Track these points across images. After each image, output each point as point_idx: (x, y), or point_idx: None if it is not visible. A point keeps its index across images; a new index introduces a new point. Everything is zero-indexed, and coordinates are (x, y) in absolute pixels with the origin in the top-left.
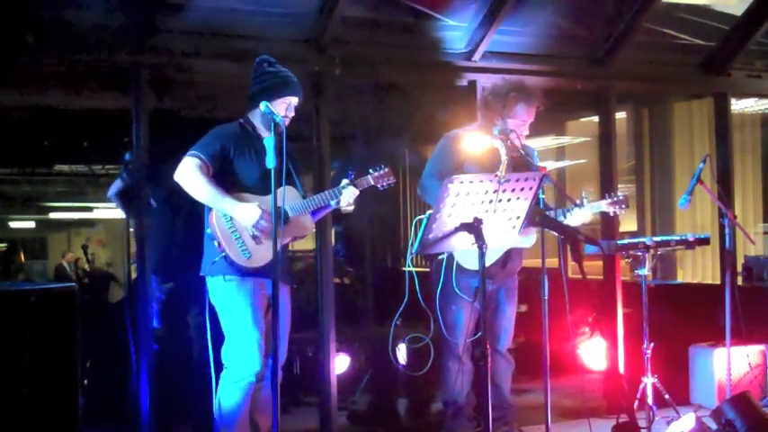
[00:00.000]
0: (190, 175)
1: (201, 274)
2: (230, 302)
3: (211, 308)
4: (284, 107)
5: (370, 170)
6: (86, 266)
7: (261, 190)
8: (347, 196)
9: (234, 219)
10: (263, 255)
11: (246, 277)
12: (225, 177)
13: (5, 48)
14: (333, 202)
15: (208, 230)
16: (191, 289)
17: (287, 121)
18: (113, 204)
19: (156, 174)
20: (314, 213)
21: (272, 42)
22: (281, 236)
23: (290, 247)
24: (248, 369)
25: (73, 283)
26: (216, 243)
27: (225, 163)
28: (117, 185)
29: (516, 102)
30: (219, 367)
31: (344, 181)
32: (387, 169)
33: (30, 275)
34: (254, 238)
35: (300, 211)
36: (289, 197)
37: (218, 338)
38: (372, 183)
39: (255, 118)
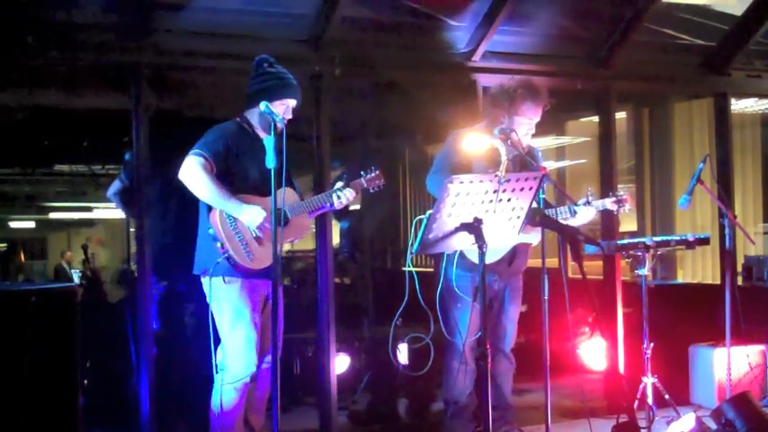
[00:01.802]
0: (195, 174)
1: (196, 273)
2: (230, 304)
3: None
4: (282, 109)
5: (362, 173)
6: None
7: (261, 190)
8: (345, 197)
9: (237, 220)
10: (265, 256)
11: (246, 279)
12: (227, 176)
13: (5, 47)
14: (328, 204)
15: (210, 231)
16: (186, 288)
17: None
18: (113, 204)
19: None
20: (311, 214)
21: (272, 42)
22: (282, 237)
23: (291, 247)
24: (245, 370)
25: (73, 283)
26: (219, 244)
27: (228, 162)
28: (116, 185)
29: (524, 100)
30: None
31: (339, 183)
32: (377, 172)
33: (30, 275)
34: (257, 239)
35: (299, 212)
36: (288, 198)
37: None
38: (365, 185)
39: (253, 117)
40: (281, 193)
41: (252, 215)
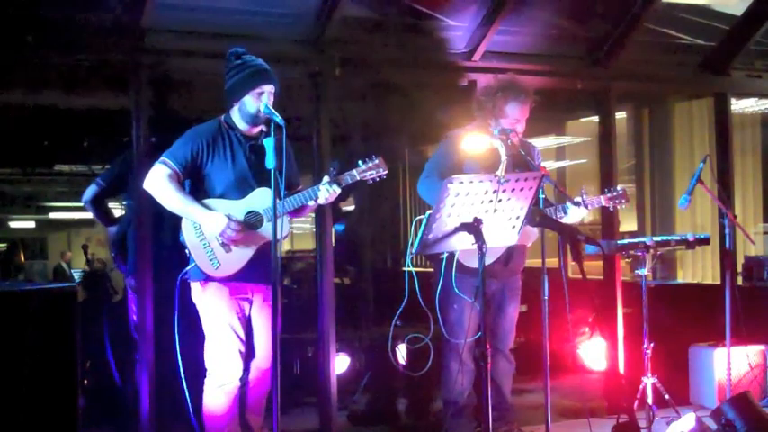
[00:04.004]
0: (158, 183)
1: (180, 277)
2: (208, 309)
3: (181, 310)
4: (258, 98)
5: (359, 162)
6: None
7: (234, 193)
8: (323, 194)
9: (202, 227)
10: (233, 263)
11: (224, 283)
12: (197, 181)
13: (5, 47)
14: (311, 202)
15: (180, 238)
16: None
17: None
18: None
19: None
20: (292, 214)
21: (272, 42)
22: (254, 241)
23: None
24: (231, 373)
25: (73, 283)
26: (187, 252)
27: (196, 167)
28: (92, 190)
29: (505, 101)
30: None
31: (326, 178)
32: (377, 160)
33: (30, 275)
34: (224, 246)
35: (280, 212)
36: (265, 199)
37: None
38: (358, 177)
39: (234, 115)
40: (257, 194)
41: (213, 222)
